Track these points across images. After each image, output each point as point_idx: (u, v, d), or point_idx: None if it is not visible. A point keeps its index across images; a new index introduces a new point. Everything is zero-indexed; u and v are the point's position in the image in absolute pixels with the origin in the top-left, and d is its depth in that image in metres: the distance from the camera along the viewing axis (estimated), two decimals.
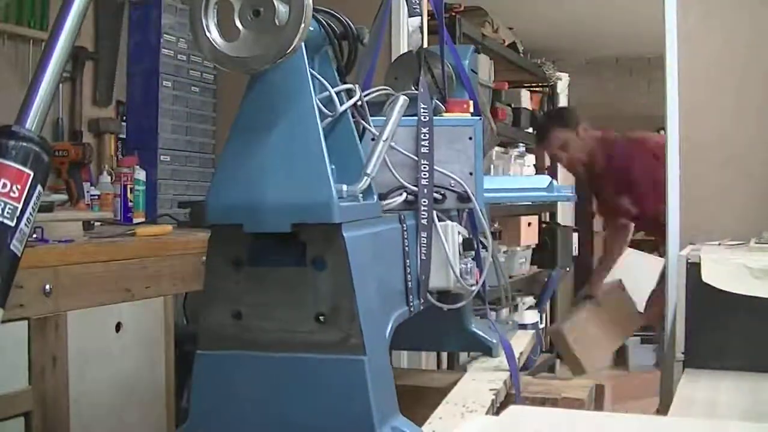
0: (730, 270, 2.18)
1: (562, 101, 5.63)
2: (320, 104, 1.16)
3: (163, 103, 3.03)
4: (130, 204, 2.69)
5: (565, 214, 5.45)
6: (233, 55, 1.07)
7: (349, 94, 1.22)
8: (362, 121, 1.28)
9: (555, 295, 5.00)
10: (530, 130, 4.76)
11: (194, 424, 1.17)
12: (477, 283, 1.49)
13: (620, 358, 4.80)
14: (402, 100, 1.29)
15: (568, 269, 5.22)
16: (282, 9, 1.06)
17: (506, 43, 4.46)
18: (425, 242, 1.37)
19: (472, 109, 1.61)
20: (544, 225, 4.98)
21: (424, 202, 1.39)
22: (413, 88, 1.67)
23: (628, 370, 5.11)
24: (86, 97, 3.02)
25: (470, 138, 1.52)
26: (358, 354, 1.08)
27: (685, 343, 2.24)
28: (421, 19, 1.62)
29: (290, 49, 1.06)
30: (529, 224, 4.46)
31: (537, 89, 5.15)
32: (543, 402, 1.61)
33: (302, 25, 1.05)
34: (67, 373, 1.90)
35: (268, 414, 1.13)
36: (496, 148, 4.08)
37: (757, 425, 0.67)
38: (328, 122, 1.18)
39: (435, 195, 1.45)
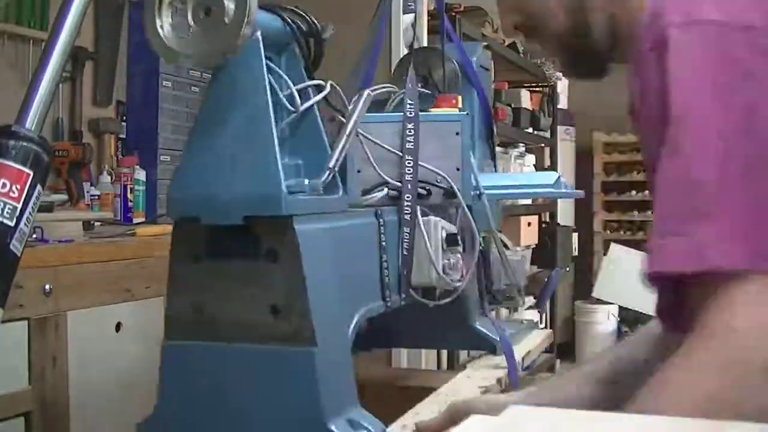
0: None
1: (563, 101, 5.64)
2: (286, 101, 1.19)
3: (163, 103, 3.03)
4: (130, 204, 2.69)
5: (565, 214, 5.45)
6: (180, 51, 1.12)
7: (319, 89, 1.24)
8: (338, 116, 1.29)
9: (555, 295, 5.00)
10: (530, 130, 4.77)
11: (159, 414, 1.20)
12: (463, 279, 1.49)
13: None
14: (366, 94, 1.30)
15: (567, 269, 5.23)
16: (231, 7, 1.10)
17: (506, 43, 4.46)
18: (407, 237, 1.39)
19: (461, 105, 1.62)
20: (543, 225, 4.99)
21: (408, 197, 1.41)
22: (420, 86, 1.68)
23: None
24: (86, 97, 3.03)
25: (457, 133, 1.53)
26: (309, 346, 1.10)
27: None
28: (415, 16, 1.63)
29: (235, 46, 1.10)
30: (529, 224, 4.46)
31: (537, 89, 5.16)
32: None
33: (245, 23, 1.09)
34: (67, 373, 1.90)
35: (226, 405, 1.15)
36: (497, 148, 4.09)
37: (757, 425, 0.66)
38: (292, 119, 1.21)
39: (420, 190, 1.46)
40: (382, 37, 1.66)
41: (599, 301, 5.45)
